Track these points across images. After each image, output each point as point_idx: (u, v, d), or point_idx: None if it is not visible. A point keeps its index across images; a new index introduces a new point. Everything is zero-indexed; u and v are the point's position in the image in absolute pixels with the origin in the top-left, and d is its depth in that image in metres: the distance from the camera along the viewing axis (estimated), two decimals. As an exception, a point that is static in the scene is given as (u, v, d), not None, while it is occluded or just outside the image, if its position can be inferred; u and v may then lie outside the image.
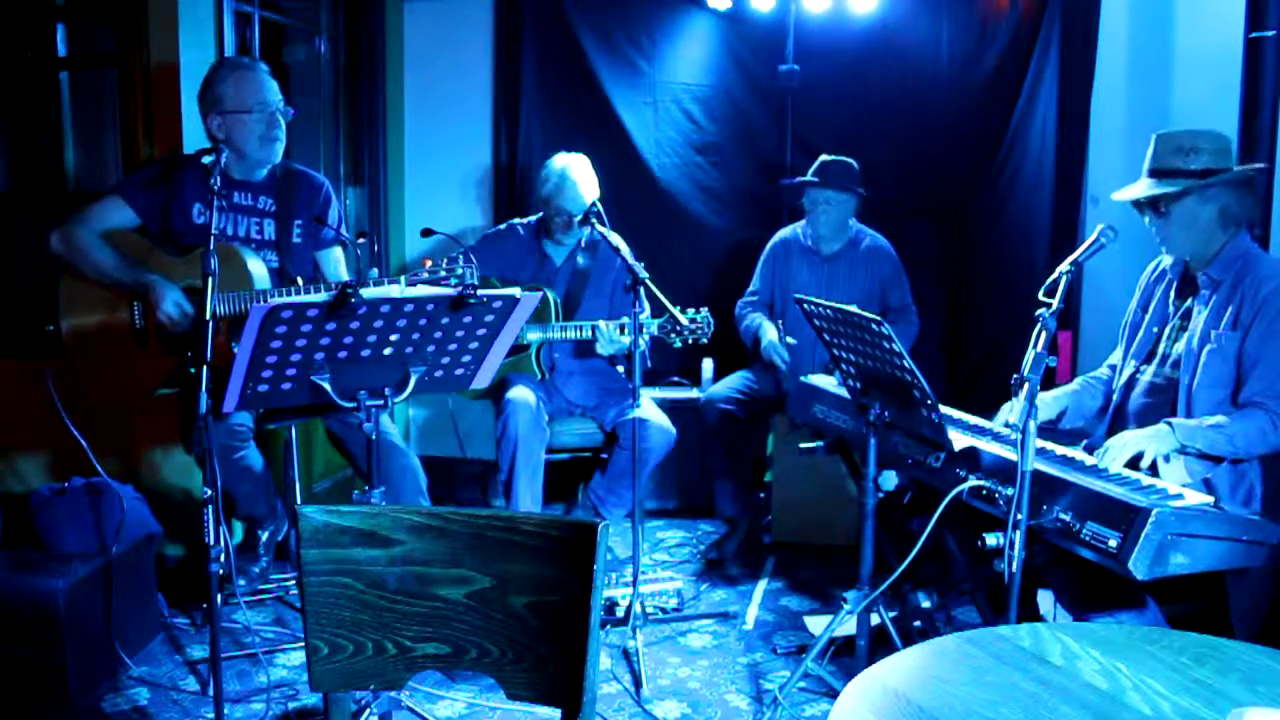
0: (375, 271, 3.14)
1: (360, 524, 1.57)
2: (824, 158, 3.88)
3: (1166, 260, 2.72)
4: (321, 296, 2.18)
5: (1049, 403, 2.78)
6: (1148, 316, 2.72)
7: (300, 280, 3.06)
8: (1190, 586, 2.19)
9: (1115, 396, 2.75)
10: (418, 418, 4.86)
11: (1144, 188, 2.56)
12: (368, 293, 2.21)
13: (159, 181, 3.07)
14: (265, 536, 3.36)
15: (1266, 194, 3.20)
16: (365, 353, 2.31)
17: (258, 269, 3.03)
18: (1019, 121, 4.20)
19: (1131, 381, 2.70)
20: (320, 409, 2.89)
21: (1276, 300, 2.43)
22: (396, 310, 2.26)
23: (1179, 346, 2.59)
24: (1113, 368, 2.88)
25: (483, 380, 2.58)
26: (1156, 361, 2.65)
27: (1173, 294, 2.68)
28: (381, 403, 2.41)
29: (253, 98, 3.04)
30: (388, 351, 2.34)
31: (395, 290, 2.35)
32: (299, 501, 3.41)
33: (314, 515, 1.56)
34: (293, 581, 3.44)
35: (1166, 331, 2.65)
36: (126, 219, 3.06)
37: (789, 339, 3.88)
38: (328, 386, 2.31)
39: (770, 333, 3.91)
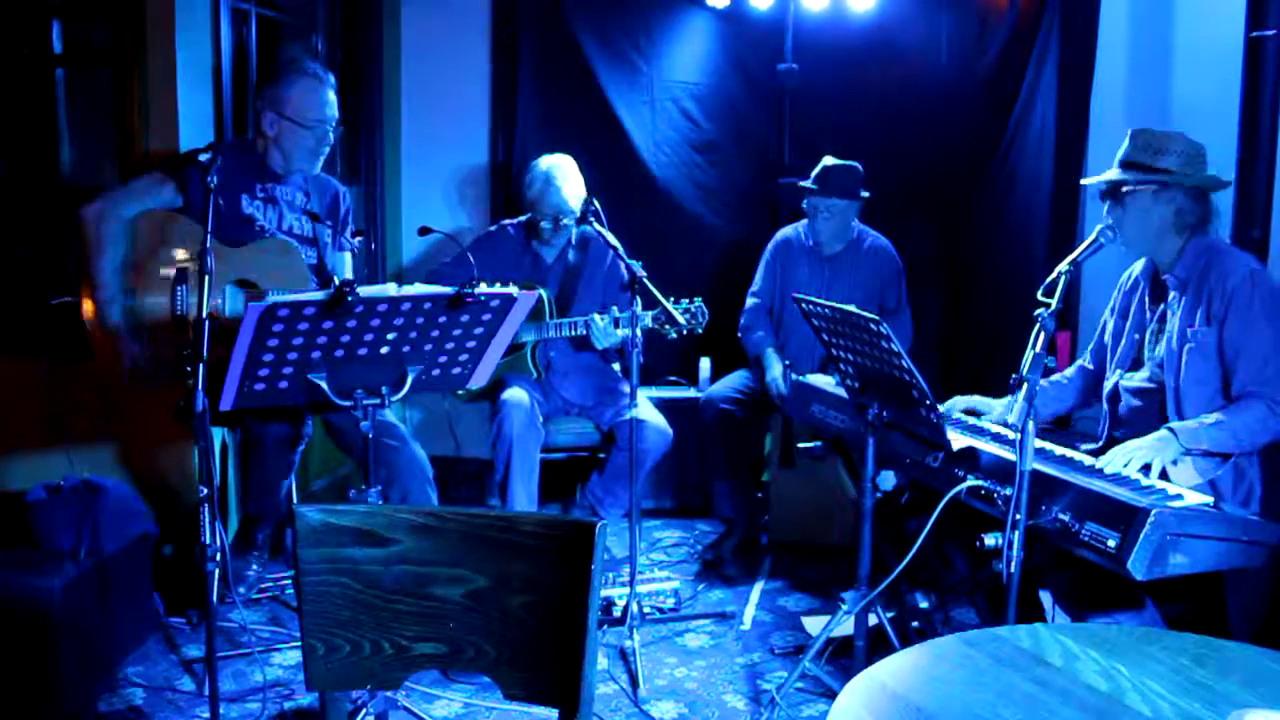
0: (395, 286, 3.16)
1: (357, 523, 1.56)
2: (826, 162, 3.82)
3: (1137, 268, 2.75)
4: (318, 295, 2.17)
5: (998, 408, 2.82)
6: (1128, 324, 2.75)
7: (335, 280, 3.08)
8: (1187, 587, 2.18)
9: (1104, 405, 2.76)
10: (414, 418, 4.85)
11: (1109, 176, 2.60)
12: (364, 291, 2.20)
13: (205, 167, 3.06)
14: (261, 538, 3.36)
15: (1267, 194, 3.20)
16: (362, 351, 2.30)
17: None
18: (1018, 120, 4.20)
19: (1116, 390, 2.71)
20: (320, 408, 2.88)
21: (1245, 290, 2.45)
22: (393, 309, 2.25)
23: (1160, 349, 2.60)
24: (1081, 369, 2.92)
25: (479, 380, 2.57)
26: (1146, 365, 2.66)
27: (1147, 300, 2.70)
28: (378, 401, 2.40)
29: (314, 113, 3.06)
30: (385, 350, 2.33)
31: (392, 289, 2.35)
32: (296, 501, 3.40)
33: (311, 515, 1.55)
34: (289, 581, 3.43)
35: (1146, 337, 2.67)
36: (168, 199, 3.01)
37: (794, 375, 3.86)
38: (324, 385, 2.30)
39: (775, 368, 3.86)
